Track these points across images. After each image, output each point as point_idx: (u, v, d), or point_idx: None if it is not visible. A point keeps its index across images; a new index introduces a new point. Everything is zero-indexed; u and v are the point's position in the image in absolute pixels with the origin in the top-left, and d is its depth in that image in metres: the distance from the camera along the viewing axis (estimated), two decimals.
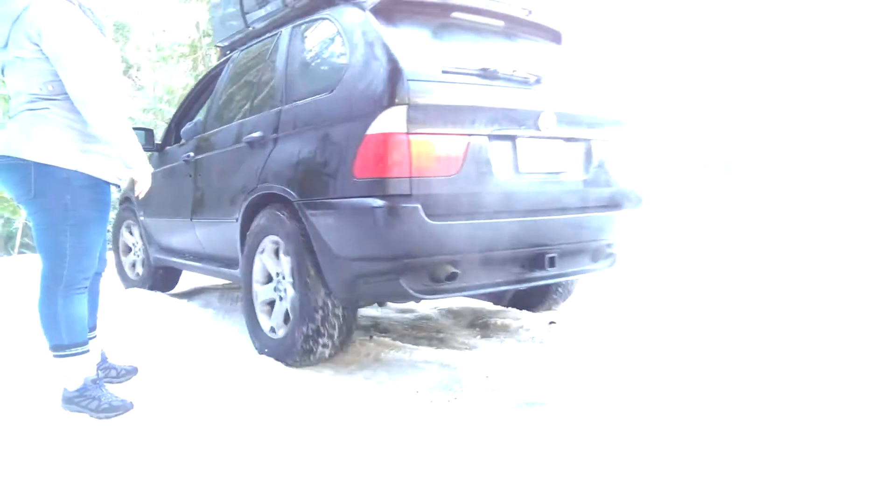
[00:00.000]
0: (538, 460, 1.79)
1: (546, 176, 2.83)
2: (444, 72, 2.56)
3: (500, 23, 3.10)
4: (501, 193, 2.62)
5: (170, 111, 22.70)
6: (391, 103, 2.39)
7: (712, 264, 5.01)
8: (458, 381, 2.62)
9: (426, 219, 2.38)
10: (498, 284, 2.78)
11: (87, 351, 2.31)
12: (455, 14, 2.92)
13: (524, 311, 3.82)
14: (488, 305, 4.17)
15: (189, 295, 4.78)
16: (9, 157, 2.13)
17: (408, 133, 2.40)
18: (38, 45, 2.08)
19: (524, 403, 2.31)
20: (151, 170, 2.38)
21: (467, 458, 1.83)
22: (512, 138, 2.70)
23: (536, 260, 2.78)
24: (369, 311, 4.25)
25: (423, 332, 3.59)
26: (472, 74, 2.65)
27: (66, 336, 2.23)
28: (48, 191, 2.13)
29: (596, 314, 3.79)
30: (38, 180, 2.12)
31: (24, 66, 2.11)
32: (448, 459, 1.82)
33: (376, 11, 2.70)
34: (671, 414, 2.07)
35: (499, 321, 3.64)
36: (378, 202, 2.37)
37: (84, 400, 2.25)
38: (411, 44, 2.63)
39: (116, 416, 2.24)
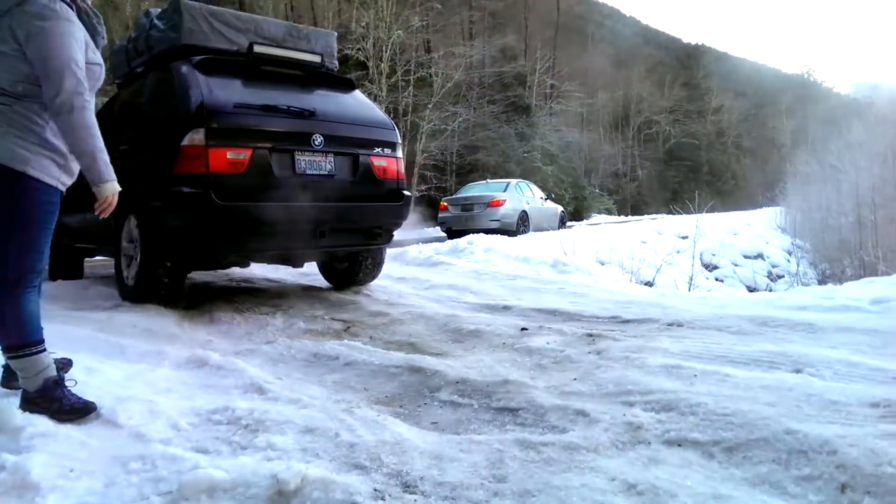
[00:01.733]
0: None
1: (320, 176, 4.14)
2: (235, 105, 3.87)
3: (299, 73, 4.55)
4: (280, 187, 3.89)
5: None
6: (194, 126, 3.71)
7: None
8: (429, 386, 2.61)
9: (217, 200, 3.66)
10: (287, 249, 4.26)
11: (44, 350, 2.25)
12: (262, 66, 4.37)
13: (492, 316, 3.82)
14: (459, 310, 4.16)
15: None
16: None
17: (205, 146, 3.64)
18: (21, 44, 2.06)
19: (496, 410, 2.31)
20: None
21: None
22: (290, 150, 4.01)
23: (311, 234, 4.08)
24: (342, 315, 4.22)
25: (395, 336, 3.57)
26: (257, 107, 3.95)
27: (16, 336, 2.17)
28: None
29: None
30: None
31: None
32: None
33: (198, 65, 4.05)
34: None
35: (471, 326, 3.63)
36: (187, 188, 3.67)
37: (45, 401, 2.19)
38: (218, 87, 3.94)
39: (80, 418, 2.19)
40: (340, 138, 4.24)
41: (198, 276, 6.26)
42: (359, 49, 24.15)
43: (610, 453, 1.87)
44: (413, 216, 20.88)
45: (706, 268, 16.55)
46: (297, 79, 4.52)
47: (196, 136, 3.68)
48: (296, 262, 4.94)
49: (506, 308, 4.28)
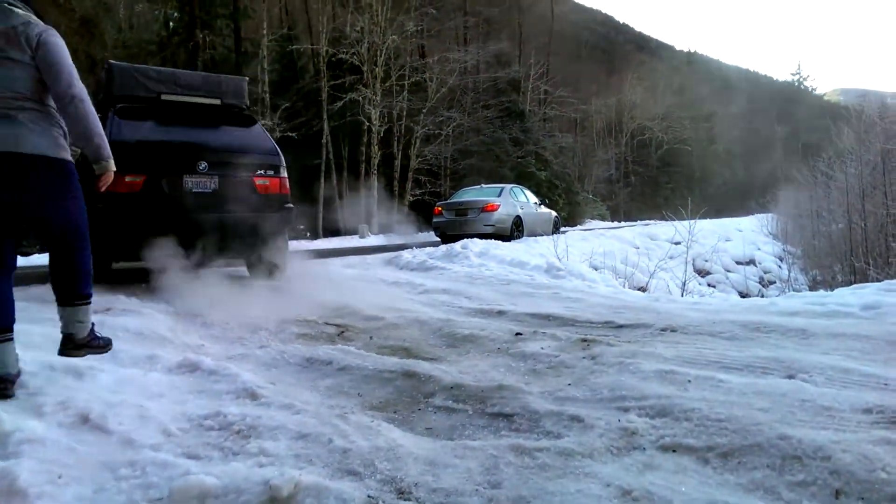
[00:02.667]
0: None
1: (205, 194, 5.12)
2: (136, 141, 4.99)
3: (204, 113, 5.68)
4: (168, 202, 4.98)
5: None
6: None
7: None
8: (423, 391, 2.59)
9: (119, 212, 4.74)
10: (184, 250, 4.88)
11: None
12: (171, 109, 5.53)
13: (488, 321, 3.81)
14: (453, 315, 4.15)
15: None
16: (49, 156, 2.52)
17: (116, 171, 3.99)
18: (34, 54, 2.44)
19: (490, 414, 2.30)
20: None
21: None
22: (180, 174, 5.04)
23: (194, 238, 4.91)
24: (336, 320, 4.20)
25: (389, 341, 3.56)
26: (154, 142, 5.10)
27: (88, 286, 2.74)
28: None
29: None
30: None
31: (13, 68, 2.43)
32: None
33: (117, 111, 5.17)
34: None
35: (466, 331, 3.62)
36: (101, 204, 4.28)
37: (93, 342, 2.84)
38: (127, 127, 5.05)
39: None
40: (225, 164, 5.25)
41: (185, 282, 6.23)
42: (353, 53, 24.17)
43: (605, 459, 1.86)
44: (408, 221, 20.90)
45: (699, 273, 16.61)
46: (202, 118, 5.68)
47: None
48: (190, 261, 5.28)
49: (500, 313, 4.28)
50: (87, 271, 2.71)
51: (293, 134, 23.97)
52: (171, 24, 24.04)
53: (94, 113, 2.61)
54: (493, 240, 11.92)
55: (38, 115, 2.49)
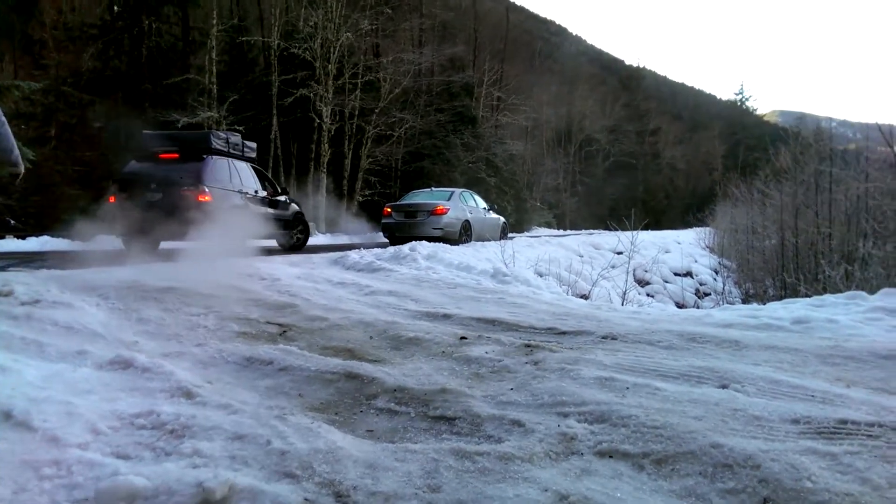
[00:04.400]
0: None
1: (154, 201, 8.58)
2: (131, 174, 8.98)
3: (176, 155, 9.27)
4: (131, 207, 8.40)
5: (73, 94, 21.48)
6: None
7: None
8: (366, 394, 2.57)
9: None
10: (136, 234, 8.49)
11: None
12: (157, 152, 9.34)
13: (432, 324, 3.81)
14: (399, 318, 4.13)
15: None
16: None
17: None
18: None
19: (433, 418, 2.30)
20: None
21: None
22: (142, 191, 8.60)
23: (145, 228, 8.17)
24: (278, 319, 4.12)
25: (333, 342, 3.51)
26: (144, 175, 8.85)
27: None
28: None
29: None
30: None
31: None
32: None
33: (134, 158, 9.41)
34: None
35: (411, 333, 3.61)
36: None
37: None
38: (129, 166, 9.23)
39: None
40: (165, 185, 8.73)
41: (123, 274, 6.00)
42: (305, 49, 23.81)
43: (543, 464, 1.88)
44: (357, 220, 20.54)
45: (639, 283, 17.06)
46: (174, 159, 9.36)
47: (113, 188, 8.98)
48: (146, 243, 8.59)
49: (446, 316, 4.28)
50: None
51: (240, 128, 23.40)
52: (115, 7, 23.13)
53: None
54: (441, 243, 11.96)
55: None
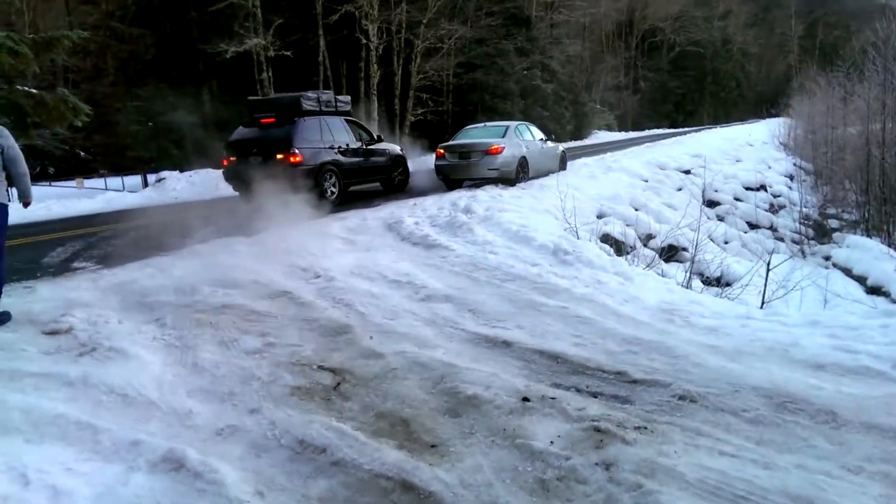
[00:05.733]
0: None
1: (256, 163, 10.23)
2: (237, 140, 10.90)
3: (273, 119, 10.70)
4: (240, 166, 10.57)
5: (123, 28, 21.57)
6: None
7: None
8: None
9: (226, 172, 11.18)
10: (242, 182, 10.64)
11: None
12: (258, 118, 10.95)
13: None
14: (454, 348, 3.92)
15: None
16: None
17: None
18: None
19: None
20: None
21: None
22: (246, 155, 10.48)
23: (251, 181, 9.85)
24: (333, 357, 3.99)
25: (387, 403, 3.36)
26: (247, 140, 10.69)
27: None
28: None
29: None
30: None
31: None
32: None
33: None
34: None
35: (469, 389, 3.41)
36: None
37: None
38: (234, 133, 11.14)
39: None
40: (264, 149, 10.20)
41: (182, 271, 6.00)
42: None
43: None
44: (411, 143, 20.38)
45: (708, 205, 16.19)
46: (268, 122, 10.75)
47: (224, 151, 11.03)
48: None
49: (506, 344, 4.05)
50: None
51: (288, 52, 22.84)
52: None
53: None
54: (498, 188, 11.53)
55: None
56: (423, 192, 11.78)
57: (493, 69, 29.78)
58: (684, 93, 57.33)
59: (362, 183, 12.31)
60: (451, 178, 12.23)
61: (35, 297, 5.26)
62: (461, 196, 10.12)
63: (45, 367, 3.70)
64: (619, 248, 9.23)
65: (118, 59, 24.61)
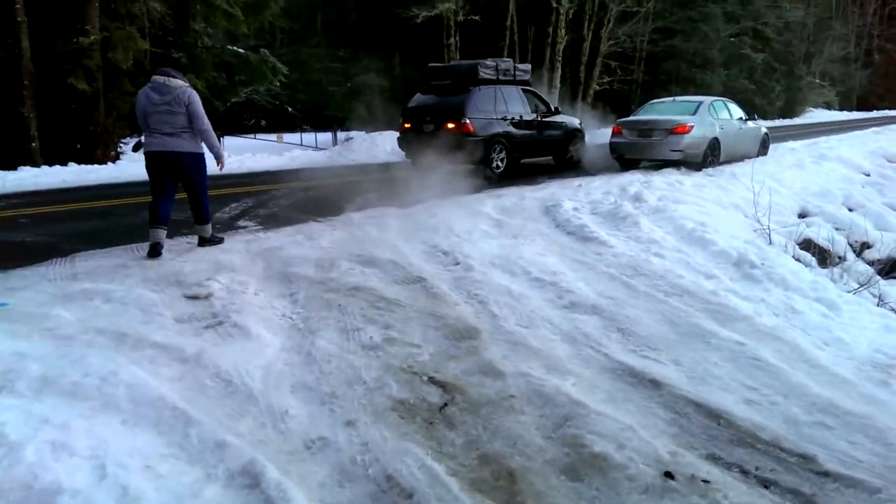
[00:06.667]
0: None
1: (429, 131, 10.40)
2: (414, 107, 11.10)
3: (449, 87, 10.87)
4: (416, 133, 10.78)
5: None
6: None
7: None
8: None
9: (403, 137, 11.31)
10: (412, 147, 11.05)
11: None
12: (435, 85, 11.21)
13: None
14: (586, 379, 3.29)
15: None
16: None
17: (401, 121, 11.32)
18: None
19: None
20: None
21: None
22: (421, 123, 10.70)
23: (423, 146, 10.36)
24: (448, 366, 3.55)
25: (494, 445, 2.85)
26: (422, 108, 10.96)
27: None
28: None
29: None
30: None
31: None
32: None
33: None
34: None
35: (597, 445, 2.78)
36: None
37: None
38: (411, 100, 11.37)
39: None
40: (436, 117, 10.21)
41: (331, 240, 5.93)
42: None
43: None
44: (592, 113, 19.48)
45: None
46: (444, 89, 10.86)
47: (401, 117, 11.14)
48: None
49: (654, 385, 3.32)
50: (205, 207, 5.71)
51: (476, 17, 22.54)
52: None
53: (213, 133, 5.47)
54: (680, 172, 10.28)
55: (190, 134, 5.37)
56: (594, 172, 10.88)
57: (694, 35, 27.07)
58: None
59: (534, 156, 11.81)
60: (625, 158, 11.17)
61: (191, 256, 5.47)
62: (633, 180, 9.10)
63: (169, 338, 3.69)
64: (825, 257, 7.70)
65: (324, 21, 26.05)
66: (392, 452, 2.74)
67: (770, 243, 6.79)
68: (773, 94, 32.64)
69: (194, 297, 4.42)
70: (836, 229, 9.15)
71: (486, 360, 3.59)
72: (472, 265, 5.18)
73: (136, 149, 6.12)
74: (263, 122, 27.67)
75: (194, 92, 5.33)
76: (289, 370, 3.48)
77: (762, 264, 5.26)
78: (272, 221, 7.18)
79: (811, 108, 38.06)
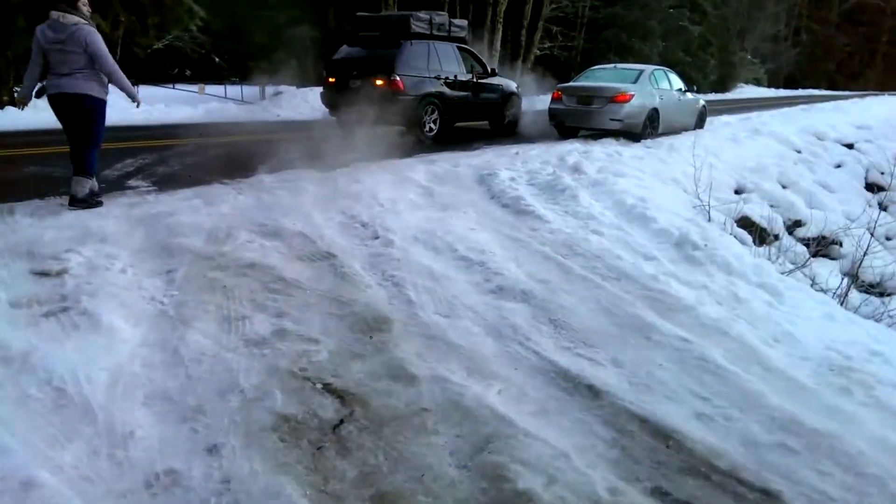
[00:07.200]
0: None
1: (356, 87, 9.28)
2: (340, 60, 10.19)
3: (378, 40, 9.86)
4: (341, 90, 9.71)
5: None
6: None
7: None
8: None
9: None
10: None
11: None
12: (363, 37, 10.12)
13: None
14: (513, 397, 2.75)
15: None
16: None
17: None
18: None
19: None
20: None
21: None
22: (346, 79, 9.61)
23: (346, 103, 9.25)
24: (348, 368, 2.93)
25: (394, 480, 2.27)
26: (348, 61, 9.99)
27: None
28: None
29: None
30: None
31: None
32: None
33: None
34: None
35: (519, 482, 2.25)
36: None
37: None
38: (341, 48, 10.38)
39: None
40: (364, 72, 9.29)
41: (231, 207, 5.15)
42: None
43: None
44: (532, 79, 18.72)
45: (870, 189, 13.55)
46: (372, 41, 9.85)
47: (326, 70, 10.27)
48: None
49: (592, 393, 2.81)
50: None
51: None
52: None
53: (121, 72, 4.91)
54: (619, 142, 9.89)
55: (88, 75, 4.82)
56: (532, 139, 10.35)
57: (635, 4, 26.80)
58: (851, 51, 50.23)
59: (468, 120, 11.04)
60: (564, 126, 10.69)
61: (55, 221, 4.58)
62: (572, 150, 8.62)
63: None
64: (762, 236, 7.49)
65: None
66: (260, 494, 2.11)
67: (709, 220, 6.46)
68: (708, 69, 33.00)
69: (43, 274, 3.61)
70: (772, 206, 9.02)
71: (396, 360, 2.99)
72: (393, 240, 4.55)
73: (38, 94, 5.15)
74: (188, 73, 25.60)
75: (93, 30, 4.78)
76: (145, 374, 2.77)
77: (705, 245, 4.86)
78: (169, 182, 6.27)
79: (742, 84, 38.88)
